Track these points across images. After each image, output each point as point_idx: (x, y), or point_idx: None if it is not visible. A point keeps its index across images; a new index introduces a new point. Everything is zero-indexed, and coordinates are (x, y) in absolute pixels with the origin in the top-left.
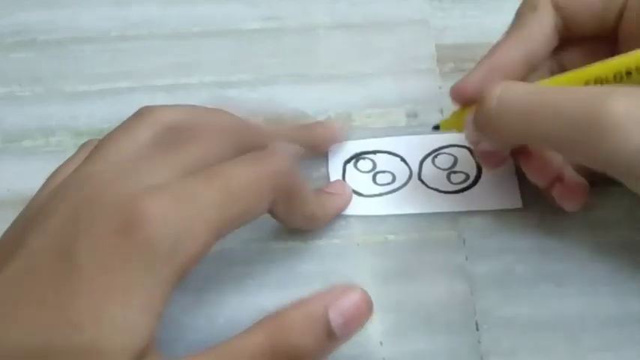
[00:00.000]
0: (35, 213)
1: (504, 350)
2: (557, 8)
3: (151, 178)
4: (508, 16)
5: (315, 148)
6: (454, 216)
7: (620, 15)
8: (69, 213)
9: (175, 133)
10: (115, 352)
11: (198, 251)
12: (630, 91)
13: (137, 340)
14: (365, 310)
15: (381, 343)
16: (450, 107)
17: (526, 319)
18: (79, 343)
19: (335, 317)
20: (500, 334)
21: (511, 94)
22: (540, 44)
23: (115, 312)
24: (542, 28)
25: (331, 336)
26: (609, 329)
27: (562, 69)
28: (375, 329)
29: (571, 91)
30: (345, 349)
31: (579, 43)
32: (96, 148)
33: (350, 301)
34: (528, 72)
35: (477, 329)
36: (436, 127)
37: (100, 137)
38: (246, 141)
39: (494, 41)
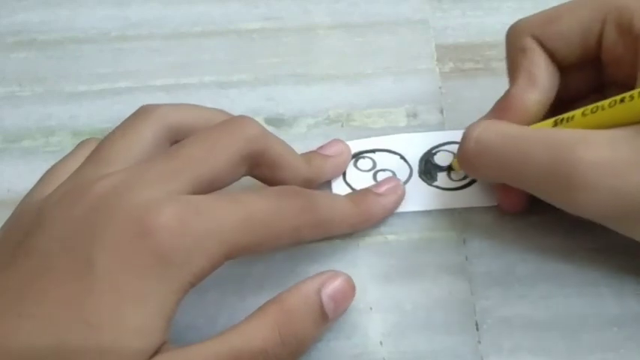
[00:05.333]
0: (40, 214)
1: (504, 350)
2: (541, 45)
3: (163, 187)
4: (508, 16)
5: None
6: (454, 216)
7: (599, 42)
8: (81, 218)
9: (179, 133)
10: (130, 354)
11: (209, 267)
12: (599, 138)
13: (151, 342)
14: (351, 293)
15: (381, 343)
16: (450, 107)
17: (526, 319)
18: (96, 343)
19: (327, 301)
20: (500, 334)
21: (488, 137)
22: (548, 81)
23: (130, 315)
24: (541, 66)
25: (324, 319)
26: (609, 329)
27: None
28: (375, 329)
29: (543, 136)
30: (345, 348)
31: (566, 71)
32: (97, 149)
33: (338, 286)
34: (543, 112)
35: (477, 329)
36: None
37: (99, 137)
38: (249, 138)
39: (494, 41)
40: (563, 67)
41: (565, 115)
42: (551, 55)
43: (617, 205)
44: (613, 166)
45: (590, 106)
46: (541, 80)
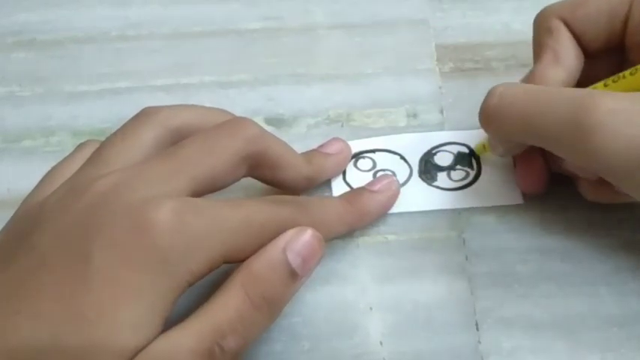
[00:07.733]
0: (40, 213)
1: (504, 350)
2: (567, 27)
3: (162, 186)
4: (508, 16)
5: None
6: (454, 216)
7: (625, 25)
8: (80, 215)
9: (180, 135)
10: (123, 349)
11: (207, 266)
12: (620, 93)
13: (145, 338)
14: (318, 247)
15: (381, 343)
16: (450, 107)
17: (526, 319)
18: (90, 337)
19: (294, 258)
20: (500, 334)
21: (511, 92)
22: (573, 61)
23: (125, 310)
24: (567, 45)
25: (294, 276)
26: (609, 329)
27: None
28: (375, 329)
29: (565, 90)
30: (346, 348)
31: (589, 58)
32: (97, 151)
33: (303, 241)
34: None
35: (477, 329)
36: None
37: (99, 137)
38: (249, 139)
39: (494, 41)
40: (587, 53)
41: (587, 89)
42: (578, 39)
43: (633, 155)
44: (632, 114)
45: (611, 77)
46: (566, 59)
